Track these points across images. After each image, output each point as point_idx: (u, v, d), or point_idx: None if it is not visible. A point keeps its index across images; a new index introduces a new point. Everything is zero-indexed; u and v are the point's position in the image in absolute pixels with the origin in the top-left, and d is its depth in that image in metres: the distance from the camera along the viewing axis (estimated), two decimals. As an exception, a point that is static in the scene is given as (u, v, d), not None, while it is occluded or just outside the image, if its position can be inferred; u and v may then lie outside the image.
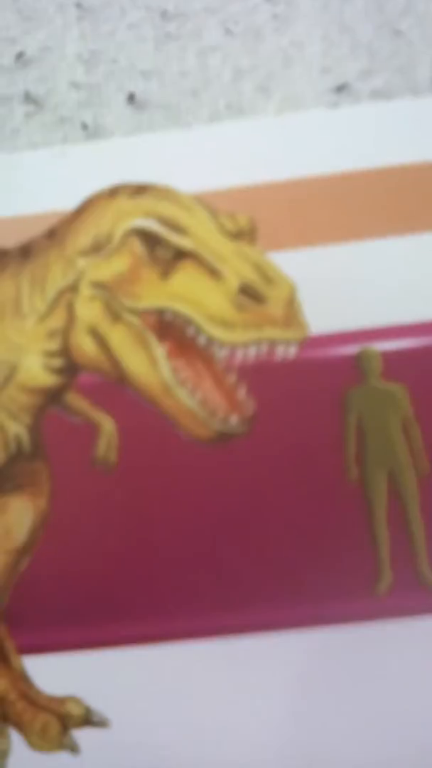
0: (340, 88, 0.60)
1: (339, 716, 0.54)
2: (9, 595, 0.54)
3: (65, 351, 0.52)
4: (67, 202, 0.53)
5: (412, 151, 0.57)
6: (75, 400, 0.54)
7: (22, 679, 0.55)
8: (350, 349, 0.55)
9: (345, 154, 0.57)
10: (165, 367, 0.51)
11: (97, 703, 0.54)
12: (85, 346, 0.52)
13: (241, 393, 0.52)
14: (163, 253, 0.51)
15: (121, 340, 0.51)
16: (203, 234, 0.51)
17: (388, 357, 0.55)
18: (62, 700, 0.54)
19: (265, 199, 0.56)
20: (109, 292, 0.51)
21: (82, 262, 0.52)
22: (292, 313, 0.49)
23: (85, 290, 0.51)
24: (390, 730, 0.54)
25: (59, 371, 0.53)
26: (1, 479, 0.54)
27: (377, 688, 0.54)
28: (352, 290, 0.55)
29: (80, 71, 0.61)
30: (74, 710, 0.54)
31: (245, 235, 0.51)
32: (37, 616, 0.55)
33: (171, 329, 0.51)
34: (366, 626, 0.54)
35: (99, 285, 0.51)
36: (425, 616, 0.54)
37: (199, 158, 0.58)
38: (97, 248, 0.52)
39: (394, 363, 0.55)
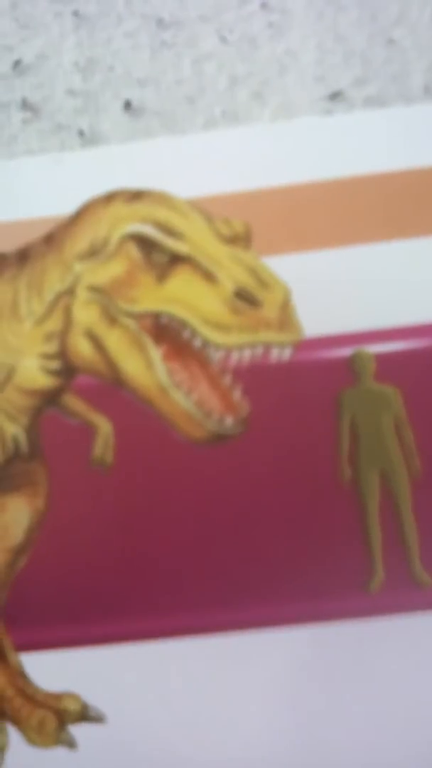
0: (334, 96, 0.61)
1: (333, 711, 0.54)
2: (7, 594, 0.55)
3: (62, 353, 0.52)
4: (64, 207, 0.53)
5: (404, 157, 0.58)
6: (72, 401, 0.55)
7: (19, 676, 0.55)
8: (344, 352, 0.55)
9: (338, 160, 0.58)
10: (161, 369, 0.51)
11: (93, 699, 0.55)
12: (82, 349, 0.52)
13: (236, 395, 0.52)
14: (159, 257, 0.51)
15: (117, 343, 0.51)
16: (199, 239, 0.51)
17: (381, 359, 0.55)
18: (59, 697, 0.55)
19: (260, 205, 0.57)
20: (105, 296, 0.51)
21: (78, 267, 0.52)
22: (286, 316, 0.50)
23: (82, 294, 0.52)
24: (383, 724, 0.54)
25: (56, 373, 0.53)
26: (-1, 479, 0.54)
27: (370, 683, 0.54)
28: (345, 294, 0.56)
29: (77, 79, 0.62)
30: (71, 706, 0.55)
31: (240, 239, 0.51)
32: (35, 613, 0.55)
33: (167, 332, 0.51)
34: (359, 623, 0.54)
35: (96, 289, 0.51)
36: (417, 613, 0.54)
37: (194, 164, 0.59)
38: (93, 253, 0.52)
39: (387, 365, 0.55)
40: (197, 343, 0.50)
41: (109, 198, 0.53)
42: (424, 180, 0.57)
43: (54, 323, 0.52)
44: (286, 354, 0.50)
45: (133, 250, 0.51)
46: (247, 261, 0.50)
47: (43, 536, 0.55)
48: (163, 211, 0.51)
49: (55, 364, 0.53)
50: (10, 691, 0.55)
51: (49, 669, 0.55)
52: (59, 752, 0.55)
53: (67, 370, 0.53)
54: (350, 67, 0.61)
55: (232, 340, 0.50)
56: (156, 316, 0.51)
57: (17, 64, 0.62)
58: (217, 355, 0.51)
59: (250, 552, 0.55)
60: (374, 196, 0.57)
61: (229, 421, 0.51)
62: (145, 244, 0.51)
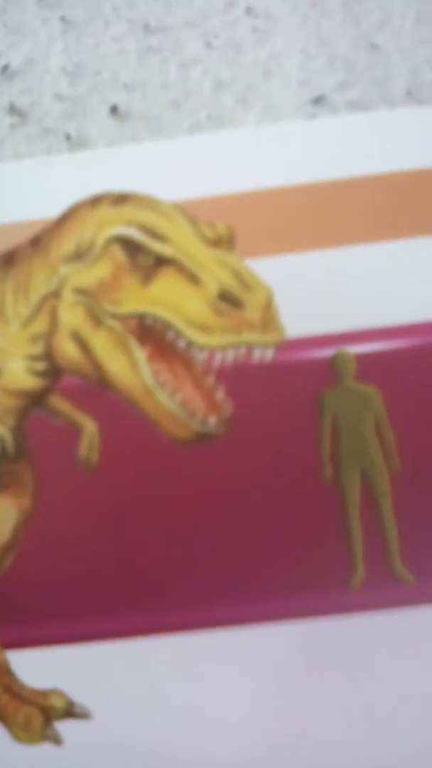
0: (318, 100, 0.61)
1: (315, 707, 0.54)
2: (-7, 592, 0.55)
3: (48, 355, 0.53)
4: (51, 210, 0.54)
5: (387, 160, 0.58)
6: (58, 402, 0.55)
7: (6, 673, 0.55)
8: (325, 352, 0.55)
9: (322, 164, 0.58)
10: (145, 370, 0.51)
11: (79, 696, 0.55)
12: (68, 350, 0.52)
13: (220, 395, 0.52)
14: (144, 259, 0.51)
15: (102, 345, 0.52)
16: (183, 241, 0.51)
17: (362, 359, 0.55)
18: (45, 693, 0.55)
19: (244, 208, 0.57)
20: (91, 298, 0.51)
21: (64, 269, 0.52)
22: (269, 318, 0.50)
23: (68, 296, 0.52)
24: (366, 720, 0.54)
25: (42, 374, 0.53)
26: (-14, 480, 0.55)
27: (352, 679, 0.54)
28: (327, 295, 0.56)
29: (64, 83, 0.62)
30: (57, 703, 0.55)
31: (224, 242, 0.52)
32: (21, 611, 0.55)
33: (152, 333, 0.51)
34: (339, 619, 0.54)
35: (81, 291, 0.52)
36: (396, 609, 0.55)
37: (180, 168, 0.59)
38: (79, 255, 0.52)
39: (368, 365, 0.55)
40: (181, 344, 0.51)
41: (95, 201, 0.53)
42: (407, 183, 0.58)
43: (40, 325, 0.53)
44: (269, 355, 0.50)
45: (119, 253, 0.51)
46: (230, 263, 0.51)
47: (29, 535, 0.55)
48: (148, 214, 0.52)
49: (41, 366, 0.53)
50: (-4, 689, 0.55)
51: (35, 666, 0.55)
52: (45, 749, 0.55)
53: (53, 371, 0.53)
54: (333, 71, 0.61)
55: (216, 341, 0.50)
56: (141, 318, 0.51)
57: (5, 69, 0.62)
58: (201, 356, 0.51)
59: (234, 550, 0.55)
60: (357, 199, 0.57)
61: (212, 421, 0.52)
62: (130, 246, 0.51)
